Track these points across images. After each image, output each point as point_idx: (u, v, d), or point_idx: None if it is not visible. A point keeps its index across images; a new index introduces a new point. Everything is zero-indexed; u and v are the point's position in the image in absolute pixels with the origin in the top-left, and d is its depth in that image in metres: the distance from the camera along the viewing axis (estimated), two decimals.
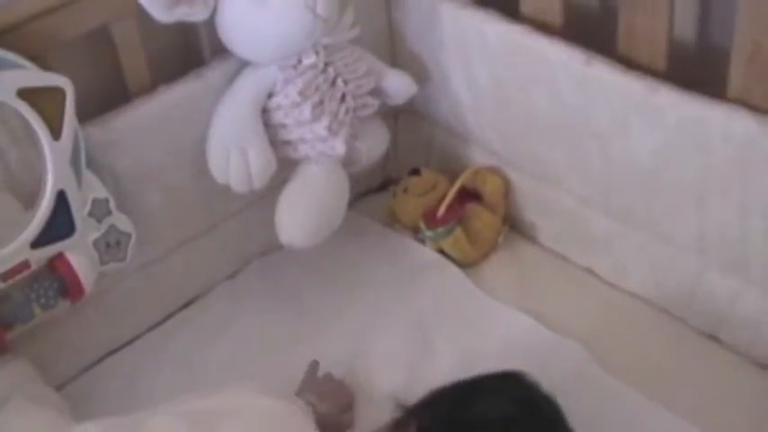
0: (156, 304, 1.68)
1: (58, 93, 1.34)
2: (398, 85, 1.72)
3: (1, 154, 1.40)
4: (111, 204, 1.46)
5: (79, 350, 1.60)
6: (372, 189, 1.95)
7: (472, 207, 1.78)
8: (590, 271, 1.74)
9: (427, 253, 1.78)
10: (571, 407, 1.32)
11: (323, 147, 1.57)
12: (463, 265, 1.76)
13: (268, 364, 1.60)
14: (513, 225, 1.83)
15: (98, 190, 1.44)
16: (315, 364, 1.57)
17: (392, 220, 1.87)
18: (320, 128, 1.54)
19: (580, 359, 1.56)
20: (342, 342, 1.63)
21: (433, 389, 1.36)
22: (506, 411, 1.28)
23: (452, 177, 1.80)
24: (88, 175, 1.43)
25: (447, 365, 1.57)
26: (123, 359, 1.64)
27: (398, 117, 1.90)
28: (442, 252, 1.77)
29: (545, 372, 1.46)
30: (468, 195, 1.79)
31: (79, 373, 1.61)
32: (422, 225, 1.77)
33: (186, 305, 1.72)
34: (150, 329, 1.68)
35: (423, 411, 1.32)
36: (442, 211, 1.74)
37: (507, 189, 1.80)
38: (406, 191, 1.83)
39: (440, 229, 1.74)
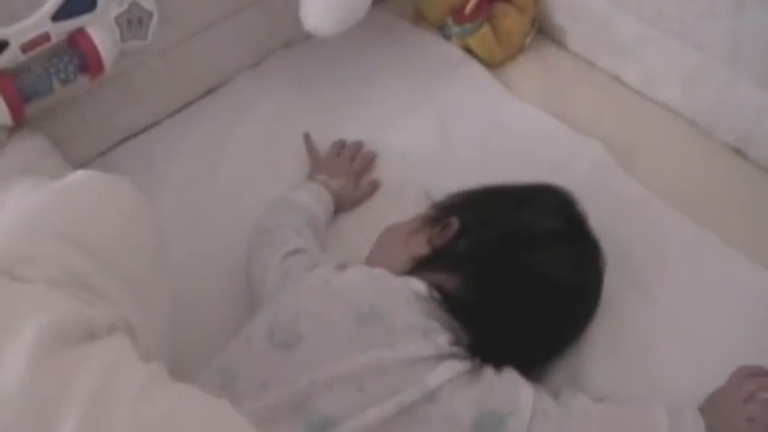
0: (175, 90, 1.66)
1: None
2: None
3: None
4: None
5: (96, 132, 1.59)
6: None
7: (501, 6, 1.73)
8: (617, 78, 1.71)
9: (453, 50, 1.75)
10: (590, 205, 1.32)
11: None
12: (489, 64, 1.73)
13: (286, 152, 1.59)
14: (542, 28, 1.79)
15: None
16: (307, 138, 1.58)
17: (419, 18, 1.84)
18: None
19: (601, 160, 1.55)
20: (362, 133, 1.61)
21: (467, 190, 1.36)
22: (556, 224, 1.29)
23: None
24: None
25: (467, 161, 1.57)
26: (140, 144, 1.63)
27: None
28: (468, 50, 1.74)
29: (565, 170, 1.46)
30: None
31: (95, 156, 1.59)
32: (449, 21, 1.74)
33: (207, 93, 1.70)
34: (169, 116, 1.66)
35: (465, 212, 1.31)
36: (470, 7, 1.70)
37: None
38: None
39: (467, 26, 1.70)
